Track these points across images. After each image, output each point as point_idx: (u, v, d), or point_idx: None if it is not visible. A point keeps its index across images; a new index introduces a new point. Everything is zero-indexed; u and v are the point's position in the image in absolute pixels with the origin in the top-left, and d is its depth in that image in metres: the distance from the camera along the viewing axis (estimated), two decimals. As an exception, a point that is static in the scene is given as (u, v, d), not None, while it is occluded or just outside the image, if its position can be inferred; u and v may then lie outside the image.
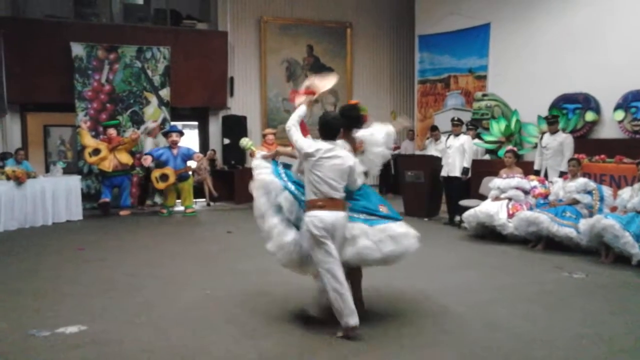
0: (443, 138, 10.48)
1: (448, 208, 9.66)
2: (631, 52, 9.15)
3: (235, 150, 12.06)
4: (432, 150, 10.61)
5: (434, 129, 10.99)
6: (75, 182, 9.98)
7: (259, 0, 13.51)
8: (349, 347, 3.99)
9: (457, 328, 4.38)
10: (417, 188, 10.23)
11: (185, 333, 4.28)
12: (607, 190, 7.44)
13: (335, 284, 4.10)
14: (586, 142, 9.41)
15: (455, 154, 9.35)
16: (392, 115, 14.46)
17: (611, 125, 9.48)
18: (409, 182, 10.38)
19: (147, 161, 10.33)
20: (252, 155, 11.34)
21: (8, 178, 8.92)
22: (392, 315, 4.74)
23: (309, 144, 4.30)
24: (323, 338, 4.14)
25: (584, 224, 6.87)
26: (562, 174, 8.08)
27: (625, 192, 6.90)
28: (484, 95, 11.41)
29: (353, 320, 4.07)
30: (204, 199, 12.02)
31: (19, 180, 8.95)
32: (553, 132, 8.64)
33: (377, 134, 4.88)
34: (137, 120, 11.61)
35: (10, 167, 9.30)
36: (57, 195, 9.53)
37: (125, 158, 10.46)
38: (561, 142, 8.51)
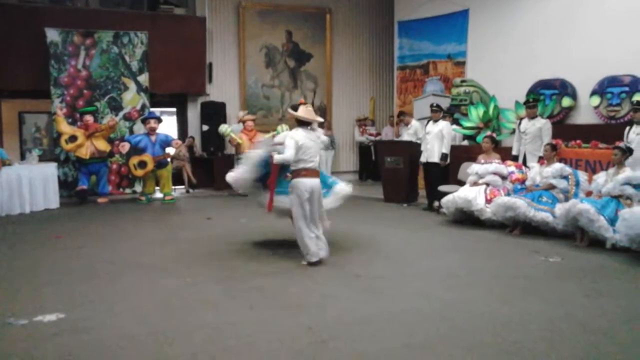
0: (415, 122, 10.53)
1: (427, 194, 9.74)
2: (607, 38, 9.24)
3: (214, 136, 12.02)
4: (405, 135, 10.68)
5: (402, 114, 11.05)
6: (51, 170, 9.84)
7: (237, -15, 13.39)
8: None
9: (434, 312, 4.44)
10: (397, 174, 10.29)
11: (164, 319, 4.29)
12: (582, 175, 7.56)
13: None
14: (563, 128, 9.52)
15: (434, 139, 9.41)
16: (372, 102, 14.51)
17: (587, 111, 9.59)
18: (388, 168, 10.43)
19: (125, 148, 10.23)
20: (231, 141, 11.48)
21: (-18, 166, 8.78)
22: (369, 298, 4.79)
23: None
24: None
25: (559, 208, 6.98)
26: (541, 159, 8.18)
27: (600, 177, 7.03)
28: (463, 81, 11.46)
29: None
30: (183, 186, 11.96)
31: (-6, 168, 8.82)
32: (532, 116, 8.73)
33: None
34: (115, 106, 11.47)
35: (-16, 154, 9.15)
36: (34, 183, 9.39)
37: (103, 145, 10.35)
38: (540, 127, 8.60)
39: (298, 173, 5.74)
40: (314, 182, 5.79)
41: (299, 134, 5.75)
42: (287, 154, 5.66)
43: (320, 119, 6.20)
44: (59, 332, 4.00)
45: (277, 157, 5.73)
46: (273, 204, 6.05)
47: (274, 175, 6.02)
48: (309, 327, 4.09)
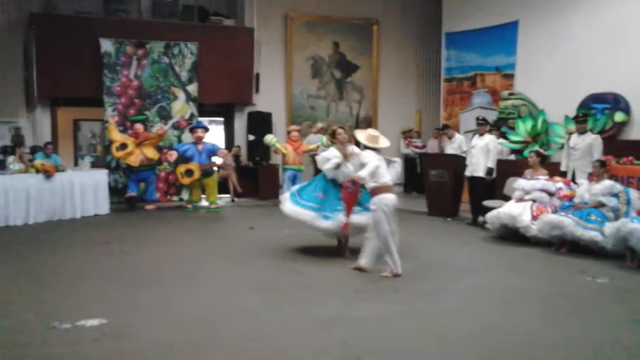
0: (458, 136, 10.41)
1: (472, 208, 9.58)
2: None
3: (260, 146, 12.13)
4: (449, 149, 10.57)
5: (445, 127, 10.92)
6: (102, 176, 10.16)
7: (286, -3, 13.56)
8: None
9: (472, 331, 4.35)
10: (441, 187, 10.17)
11: (201, 328, 4.34)
12: (634, 193, 7.26)
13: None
14: (615, 144, 9.21)
15: (480, 153, 9.26)
16: (418, 114, 14.41)
17: (641, 126, 9.29)
18: (432, 181, 10.32)
19: (173, 156, 10.47)
20: (276, 152, 11.62)
21: (37, 171, 9.13)
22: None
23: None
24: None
25: (609, 227, 6.74)
26: (589, 176, 7.93)
27: (653, 196, 6.77)
28: (511, 94, 11.27)
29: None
30: (228, 195, 12.12)
31: (47, 174, 9.16)
32: (581, 131, 8.49)
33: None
34: (165, 115, 11.76)
35: (39, 160, 9.51)
36: (85, 189, 9.72)
37: (152, 153, 10.61)
38: (590, 142, 8.35)
39: (380, 189, 5.87)
40: (394, 197, 5.97)
41: (371, 154, 5.91)
42: (369, 170, 5.79)
43: (385, 144, 6.17)
44: (100, 338, 4.10)
45: (362, 174, 5.81)
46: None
47: (355, 196, 6.16)
48: (343, 342, 4.07)
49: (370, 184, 5.88)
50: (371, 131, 6.19)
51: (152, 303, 4.95)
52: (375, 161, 5.83)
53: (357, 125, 12.59)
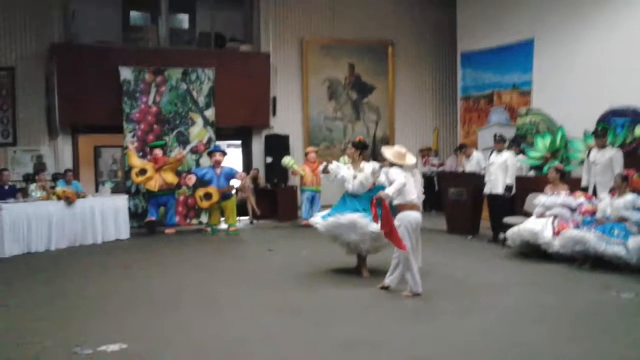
0: (476, 153, 10.38)
1: (492, 226, 9.49)
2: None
3: (278, 169, 12.17)
4: (467, 167, 10.53)
5: (463, 147, 10.88)
6: (123, 202, 10.28)
7: (301, 21, 13.68)
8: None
9: (494, 351, 4.29)
10: (460, 205, 10.11)
11: (223, 352, 4.34)
12: (657, 208, 7.16)
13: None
14: (636, 158, 9.09)
15: (498, 171, 9.21)
16: (435, 133, 14.38)
17: (662, 140, 9.15)
18: (452, 200, 10.27)
19: (192, 181, 10.55)
20: (294, 173, 11.66)
21: (59, 198, 9.26)
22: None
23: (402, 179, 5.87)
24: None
25: (633, 242, 6.64)
26: (612, 191, 7.82)
27: (677, 210, 6.65)
28: (529, 110, 11.20)
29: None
30: (247, 217, 12.16)
31: (69, 200, 9.28)
32: (601, 146, 8.40)
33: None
34: (183, 140, 11.88)
35: (61, 187, 9.65)
36: (106, 215, 9.83)
37: (171, 178, 10.70)
38: (611, 157, 8.26)
39: (405, 207, 5.90)
40: (419, 215, 5.98)
41: (398, 172, 5.92)
42: (397, 187, 5.82)
43: (412, 161, 6.18)
44: (122, 363, 4.12)
45: (390, 191, 5.83)
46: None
47: (387, 215, 6.06)
48: (365, 363, 4.04)
49: (396, 201, 5.90)
50: (398, 148, 6.18)
51: (173, 327, 4.96)
52: (402, 179, 5.83)
53: (375, 146, 12.58)
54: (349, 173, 6.86)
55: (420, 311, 5.38)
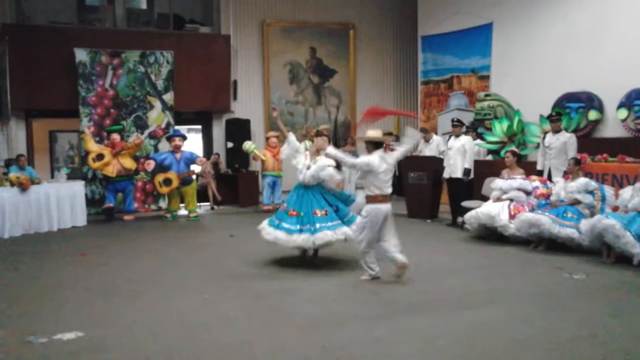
0: (436, 137, 10.50)
1: (451, 209, 9.64)
2: (634, 49, 9.08)
3: (239, 153, 12.10)
4: (426, 151, 10.62)
5: (423, 130, 11.01)
6: (79, 188, 10.04)
7: (262, 3, 13.52)
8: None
9: (451, 331, 4.37)
10: (420, 189, 10.22)
11: (180, 338, 4.31)
12: (609, 190, 7.39)
13: None
14: (589, 141, 9.34)
15: (457, 155, 9.33)
16: (396, 117, 14.46)
17: (614, 124, 9.41)
18: (411, 184, 10.37)
19: (150, 166, 10.39)
20: (255, 158, 11.59)
21: (12, 184, 9.00)
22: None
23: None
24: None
25: (585, 224, 6.83)
26: (565, 174, 8.03)
27: (627, 192, 6.86)
28: (487, 95, 11.36)
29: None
30: (208, 203, 12.05)
31: (22, 187, 9.02)
32: (556, 130, 8.60)
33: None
34: (141, 125, 11.66)
35: (14, 173, 9.37)
36: (62, 201, 9.59)
37: (129, 163, 10.51)
38: (564, 141, 8.47)
39: (375, 199, 5.74)
40: (389, 207, 5.84)
41: (375, 158, 5.71)
42: (357, 161, 5.79)
43: (375, 134, 5.99)
44: (77, 351, 4.05)
45: (348, 158, 5.87)
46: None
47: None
48: (323, 346, 4.07)
49: (368, 192, 5.76)
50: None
51: (131, 314, 4.90)
52: (369, 160, 5.67)
53: (336, 130, 12.61)
54: (303, 162, 6.64)
55: (379, 294, 5.43)
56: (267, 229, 6.55)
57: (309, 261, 6.76)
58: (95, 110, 11.37)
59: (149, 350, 4.07)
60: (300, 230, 6.29)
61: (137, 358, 3.93)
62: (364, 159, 5.74)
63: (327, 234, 6.20)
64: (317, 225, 6.25)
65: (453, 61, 12.74)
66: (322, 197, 6.49)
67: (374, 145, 5.81)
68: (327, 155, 6.17)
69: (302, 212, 6.40)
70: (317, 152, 6.62)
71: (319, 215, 6.33)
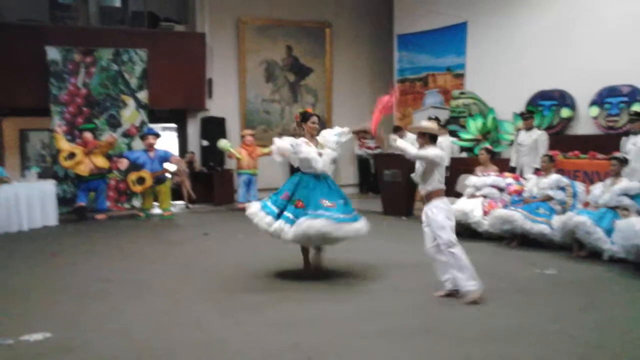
0: (410, 135, 10.51)
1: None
2: (606, 49, 9.22)
3: (214, 152, 12.02)
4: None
5: (397, 129, 11.06)
6: (50, 187, 9.87)
7: (237, 1, 13.43)
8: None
9: (424, 327, 4.38)
10: (395, 187, 10.25)
11: (151, 338, 4.24)
12: (580, 187, 7.50)
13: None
14: (562, 139, 9.48)
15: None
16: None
17: (586, 122, 9.56)
18: (387, 181, 10.40)
19: (123, 164, 10.27)
20: (230, 156, 11.52)
21: (-19, 184, 8.82)
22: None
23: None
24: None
25: (557, 220, 6.92)
26: (536, 171, 8.13)
27: (597, 188, 6.96)
28: (462, 93, 11.45)
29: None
30: (182, 202, 11.95)
31: (-9, 186, 8.85)
32: (528, 127, 8.70)
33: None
34: (114, 123, 11.52)
35: (-18, 172, 9.19)
36: (32, 201, 9.40)
37: (101, 162, 10.37)
38: (536, 139, 8.59)
39: (441, 192, 5.19)
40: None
41: (439, 150, 5.19)
42: (430, 153, 5.07)
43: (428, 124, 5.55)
44: (44, 352, 3.97)
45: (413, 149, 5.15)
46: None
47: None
48: (295, 344, 4.04)
49: (430, 187, 5.13)
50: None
51: (100, 315, 4.81)
52: (439, 152, 5.14)
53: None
54: (312, 150, 5.81)
55: (351, 290, 5.43)
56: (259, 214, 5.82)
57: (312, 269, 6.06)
58: (67, 108, 11.20)
59: (118, 351, 4.00)
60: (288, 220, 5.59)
61: (107, 358, 3.87)
62: (436, 151, 5.10)
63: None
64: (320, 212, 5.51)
65: (428, 60, 12.81)
66: (334, 188, 5.86)
67: (430, 137, 5.21)
68: (396, 146, 5.29)
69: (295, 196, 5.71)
70: (312, 136, 5.92)
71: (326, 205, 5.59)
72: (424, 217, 5.27)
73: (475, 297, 4.90)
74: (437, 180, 5.14)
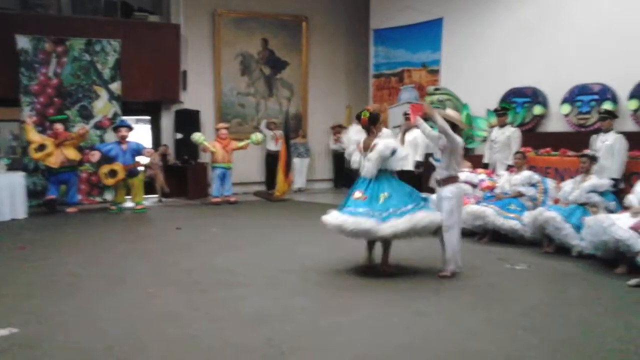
0: (385, 130, 10.54)
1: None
2: (578, 47, 9.34)
3: (188, 145, 11.91)
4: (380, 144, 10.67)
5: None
6: (19, 179, 9.67)
7: (213, -7, 13.34)
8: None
9: (397, 321, 4.41)
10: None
11: (122, 333, 4.19)
12: (551, 183, 7.61)
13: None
14: (534, 136, 9.59)
15: (408, 147, 9.40)
16: (347, 109, 14.50)
17: (558, 119, 9.67)
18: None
19: (95, 157, 10.12)
20: (204, 150, 11.44)
21: (-53, 175, 8.61)
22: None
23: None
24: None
25: (527, 216, 7.01)
26: (509, 167, 8.22)
27: (568, 185, 7.07)
28: (436, 89, 11.51)
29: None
30: (155, 195, 11.82)
31: (-42, 178, 8.65)
32: (501, 124, 8.78)
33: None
34: (86, 115, 11.31)
35: (-51, 164, 8.97)
36: (1, 193, 9.21)
37: (73, 154, 10.19)
38: (509, 135, 8.67)
39: (456, 179, 5.78)
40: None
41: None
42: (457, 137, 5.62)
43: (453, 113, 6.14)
44: (10, 348, 3.89)
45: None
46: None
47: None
48: (268, 339, 4.03)
49: (446, 172, 5.67)
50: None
51: (71, 310, 4.74)
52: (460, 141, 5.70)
53: (287, 122, 12.53)
54: (355, 152, 5.94)
55: (324, 285, 5.43)
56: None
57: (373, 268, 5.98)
58: (37, 99, 10.97)
59: (88, 346, 3.95)
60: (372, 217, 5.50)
61: (76, 354, 3.81)
62: (459, 138, 5.68)
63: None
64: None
65: (404, 55, 12.84)
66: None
67: (451, 126, 5.61)
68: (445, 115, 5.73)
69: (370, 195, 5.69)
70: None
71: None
72: (435, 198, 5.92)
73: (448, 275, 5.65)
74: (452, 167, 5.69)
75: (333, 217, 5.69)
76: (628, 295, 5.13)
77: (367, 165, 5.74)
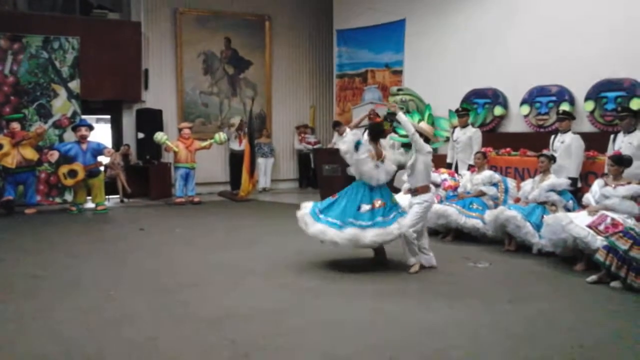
0: (349, 131, 10.61)
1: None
2: (536, 50, 9.52)
3: (151, 144, 11.74)
4: (340, 144, 10.70)
5: (337, 124, 11.07)
6: (-26, 180, 9.41)
7: (175, -9, 13.17)
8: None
9: (359, 321, 4.42)
10: (334, 182, 10.27)
11: (81, 336, 4.11)
12: (511, 182, 7.76)
13: None
14: (495, 136, 9.76)
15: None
16: (312, 110, 14.52)
17: (518, 120, 9.86)
18: (326, 176, 10.43)
19: (54, 157, 9.89)
20: (167, 150, 11.29)
21: None
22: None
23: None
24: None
25: (489, 215, 7.12)
26: (470, 167, 8.35)
27: (527, 184, 7.21)
28: (399, 89, 11.61)
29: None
30: (117, 196, 11.61)
31: None
32: (463, 125, 8.91)
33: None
34: (44, 113, 11.03)
35: None
36: (-46, 194, 8.95)
37: (30, 153, 9.94)
38: (470, 136, 8.79)
39: (427, 188, 6.08)
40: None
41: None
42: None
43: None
44: (-36, 354, 3.78)
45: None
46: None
47: None
48: (232, 341, 4.00)
49: (421, 183, 6.00)
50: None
51: (28, 314, 4.61)
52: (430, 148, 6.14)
53: (251, 122, 12.45)
54: (369, 160, 6.13)
55: (287, 286, 5.42)
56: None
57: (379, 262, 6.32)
58: (-7, 97, 10.67)
59: (46, 350, 3.85)
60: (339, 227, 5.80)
61: (33, 358, 3.71)
62: (428, 146, 6.13)
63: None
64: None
65: (368, 55, 12.92)
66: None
67: (424, 139, 6.14)
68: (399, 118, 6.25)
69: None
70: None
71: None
72: (406, 204, 6.31)
73: (415, 269, 5.88)
74: (424, 176, 6.01)
75: (343, 235, 5.78)
76: (587, 292, 5.26)
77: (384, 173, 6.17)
